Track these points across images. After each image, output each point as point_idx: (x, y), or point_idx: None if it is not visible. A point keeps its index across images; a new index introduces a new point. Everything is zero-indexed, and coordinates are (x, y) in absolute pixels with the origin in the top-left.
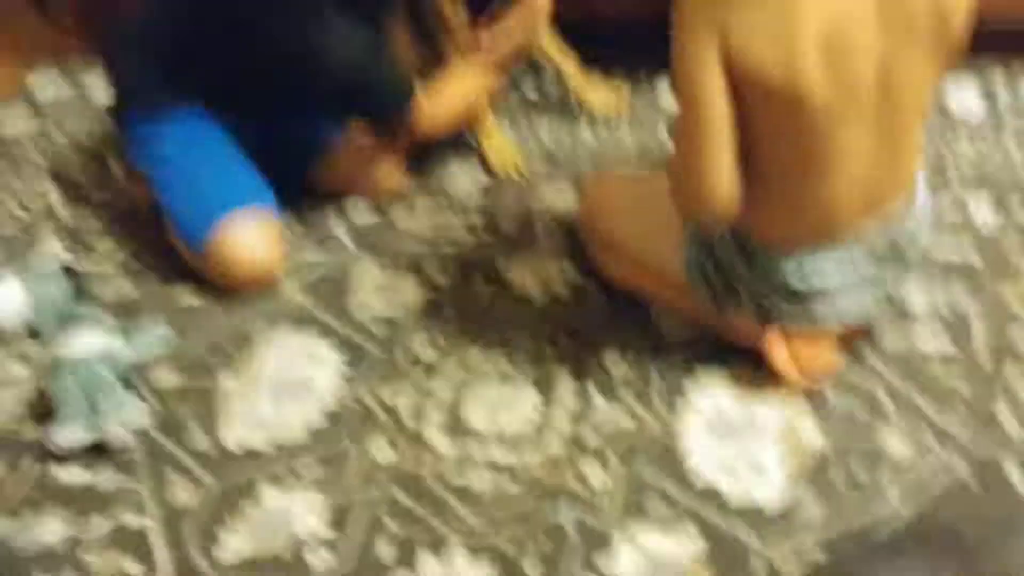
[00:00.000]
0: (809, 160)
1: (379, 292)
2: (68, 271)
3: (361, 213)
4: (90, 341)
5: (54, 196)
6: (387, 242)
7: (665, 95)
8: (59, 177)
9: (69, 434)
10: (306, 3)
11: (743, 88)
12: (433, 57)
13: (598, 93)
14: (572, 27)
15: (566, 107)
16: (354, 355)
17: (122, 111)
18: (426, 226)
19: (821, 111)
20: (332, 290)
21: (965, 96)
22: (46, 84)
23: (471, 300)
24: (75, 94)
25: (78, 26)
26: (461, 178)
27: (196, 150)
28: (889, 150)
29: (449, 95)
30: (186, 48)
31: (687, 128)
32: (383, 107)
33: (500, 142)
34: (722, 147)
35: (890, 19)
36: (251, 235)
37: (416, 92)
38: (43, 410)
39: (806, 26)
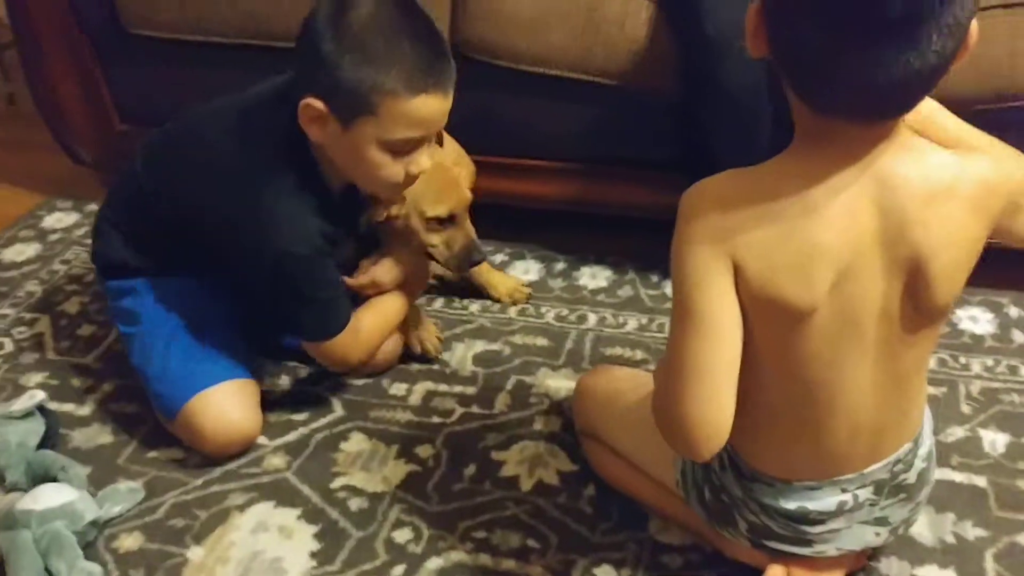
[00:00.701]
0: (810, 397)
1: (362, 462)
2: (44, 411)
3: (353, 375)
4: (54, 495)
5: (44, 328)
6: (376, 408)
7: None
8: (52, 309)
9: None
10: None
11: (751, 315)
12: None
13: (503, 282)
14: (585, 210)
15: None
16: (328, 533)
17: (103, 269)
18: (418, 394)
19: (826, 342)
20: (314, 456)
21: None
22: (56, 213)
23: (455, 479)
24: (82, 226)
25: (96, 163)
26: (458, 347)
27: (174, 319)
28: (893, 395)
29: (369, 327)
30: (157, 224)
31: (685, 355)
32: (308, 327)
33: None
34: (726, 382)
35: (891, 265)
36: (226, 408)
37: (345, 324)
38: None
39: (825, 254)
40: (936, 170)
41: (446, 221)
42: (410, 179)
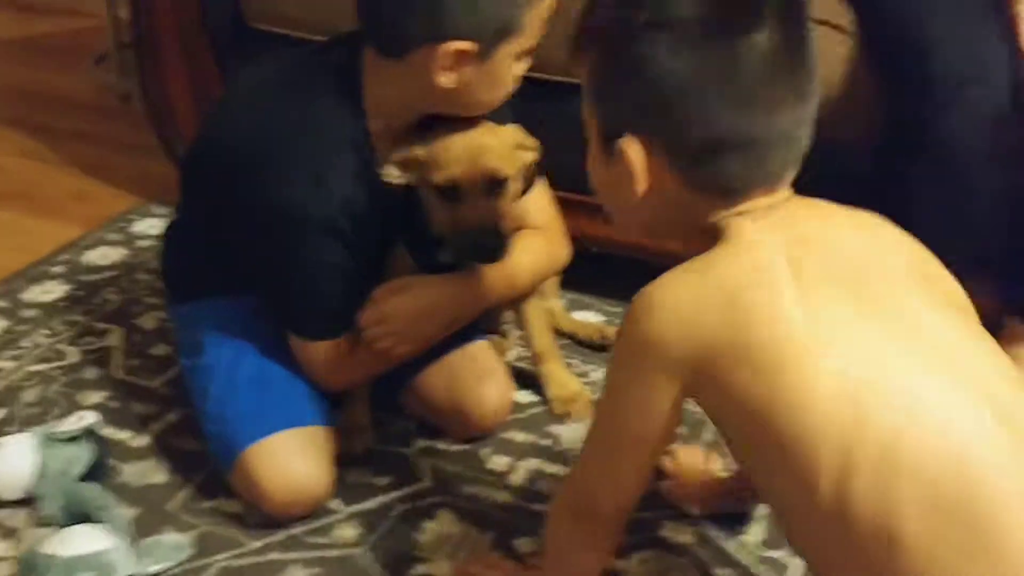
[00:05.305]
0: None
1: (448, 548)
2: (94, 436)
3: (448, 439)
4: (85, 540)
5: (115, 341)
6: (471, 483)
7: None
8: (127, 321)
9: None
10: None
11: None
12: None
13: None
14: None
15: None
16: None
17: (170, 286)
18: (522, 473)
19: None
20: (392, 533)
21: None
22: (149, 219)
23: None
24: None
25: None
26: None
27: (238, 348)
28: None
29: (362, 359)
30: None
31: None
32: (287, 314)
33: (561, 376)
34: None
35: None
36: (291, 459)
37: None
38: None
39: None
40: None
41: (453, 195)
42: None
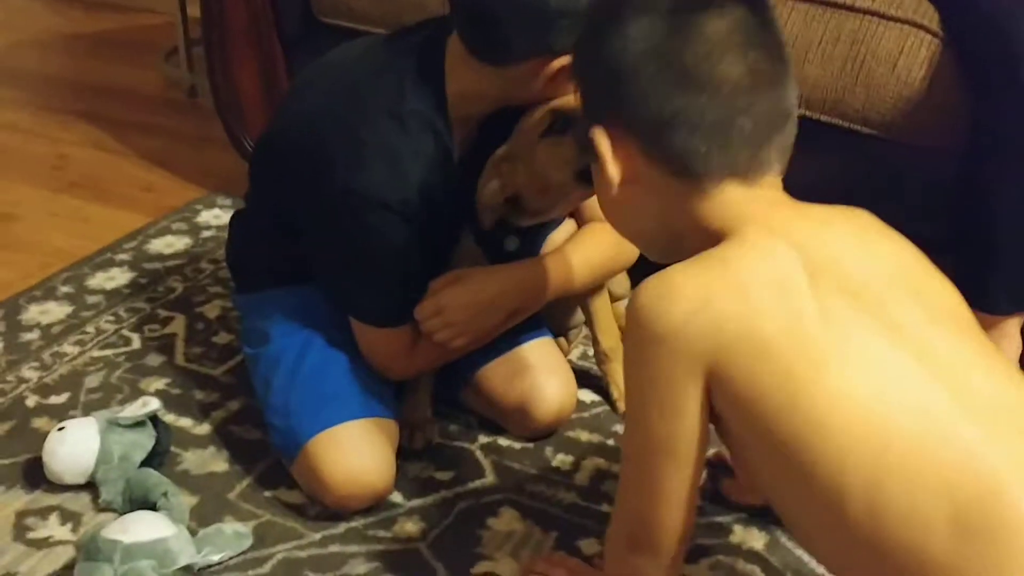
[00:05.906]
0: None
1: (511, 547)
2: (156, 423)
3: (511, 436)
4: (146, 527)
5: (178, 329)
6: (534, 481)
7: None
8: (191, 310)
9: None
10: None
11: None
12: None
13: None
14: None
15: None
16: None
17: (236, 275)
18: (587, 472)
19: None
20: (454, 529)
21: None
22: (214, 209)
23: None
24: None
25: None
26: None
27: (305, 338)
28: None
29: (425, 349)
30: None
31: None
32: (352, 299)
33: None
34: None
35: None
36: (354, 451)
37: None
38: None
39: None
40: None
41: (565, 125)
42: None
